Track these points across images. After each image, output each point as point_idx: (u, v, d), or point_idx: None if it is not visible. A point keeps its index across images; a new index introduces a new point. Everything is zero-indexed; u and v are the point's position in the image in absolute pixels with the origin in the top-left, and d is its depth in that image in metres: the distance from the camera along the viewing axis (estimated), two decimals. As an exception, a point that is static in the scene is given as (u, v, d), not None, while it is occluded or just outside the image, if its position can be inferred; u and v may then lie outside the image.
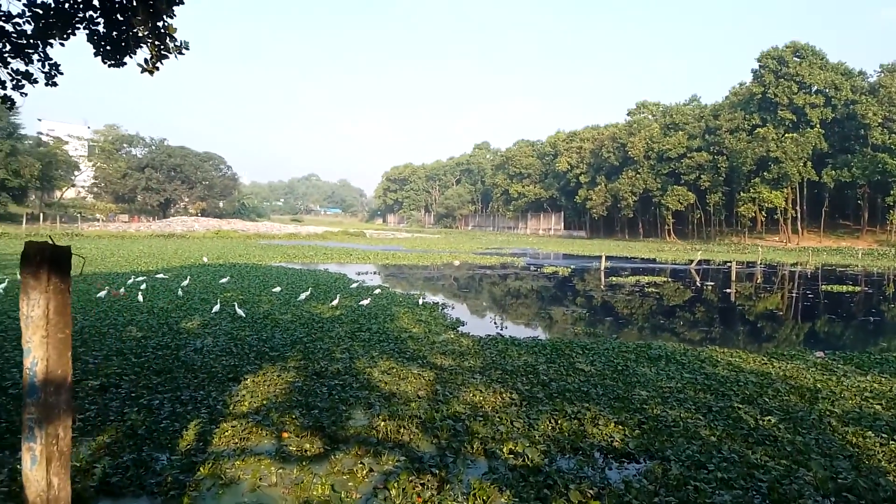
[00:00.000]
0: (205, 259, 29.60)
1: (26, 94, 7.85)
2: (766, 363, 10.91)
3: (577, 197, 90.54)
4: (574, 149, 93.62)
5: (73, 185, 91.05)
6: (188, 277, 19.88)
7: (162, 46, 7.99)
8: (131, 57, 8.18)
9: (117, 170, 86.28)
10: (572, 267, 34.68)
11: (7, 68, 7.54)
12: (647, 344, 12.44)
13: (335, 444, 6.20)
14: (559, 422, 6.99)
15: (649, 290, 23.92)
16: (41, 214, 63.56)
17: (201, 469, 5.43)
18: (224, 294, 17.01)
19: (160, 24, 7.92)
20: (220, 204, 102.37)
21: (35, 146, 70.64)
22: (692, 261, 40.38)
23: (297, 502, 4.89)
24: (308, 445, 6.08)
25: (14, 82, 7.66)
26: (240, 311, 13.53)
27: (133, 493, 5.00)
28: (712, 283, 27.82)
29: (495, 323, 15.37)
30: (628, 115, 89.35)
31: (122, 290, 16.85)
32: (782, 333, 16.13)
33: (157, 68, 8.17)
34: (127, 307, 14.23)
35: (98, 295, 15.67)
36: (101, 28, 7.93)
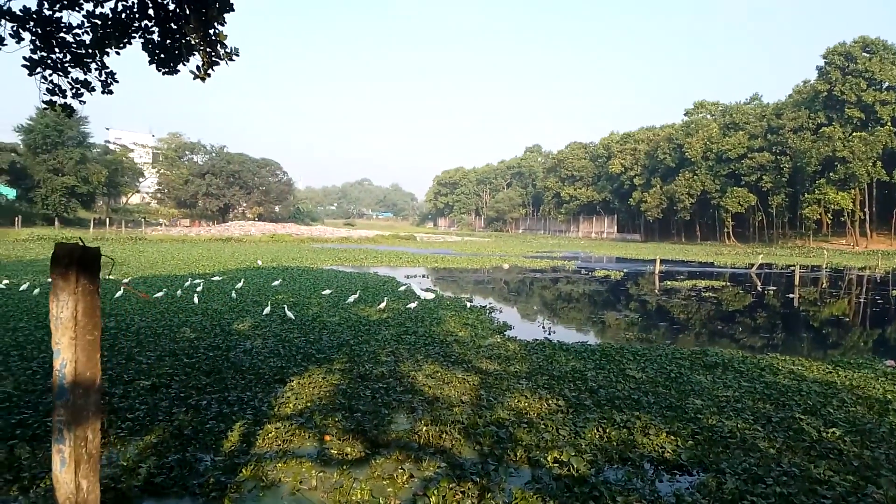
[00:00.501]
0: (259, 262, 30.31)
1: (84, 102, 8.14)
2: (830, 372, 10.32)
3: (630, 199, 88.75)
4: (628, 150, 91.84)
5: (139, 191, 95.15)
6: (242, 280, 20.35)
7: (213, 53, 8.17)
8: (184, 64, 8.39)
9: (180, 176, 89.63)
10: (625, 270, 33.90)
11: (67, 77, 7.84)
12: (703, 350, 11.96)
13: (376, 448, 6.14)
14: (607, 430, 6.75)
15: (706, 294, 23.10)
16: (108, 219, 66.56)
17: (243, 471, 5.45)
18: (276, 296, 17.32)
19: (211, 31, 8.10)
20: (276, 208, 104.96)
21: (103, 154, 74.07)
22: (753, 264, 38.87)
23: (335, 507, 4.84)
24: (349, 449, 6.05)
25: (74, 91, 7.95)
26: (289, 314, 13.73)
27: (176, 493, 5.05)
28: (774, 288, 26.67)
29: (543, 327, 15.11)
30: (685, 115, 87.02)
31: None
32: (849, 341, 15.26)
33: (209, 74, 8.36)
34: (182, 308, 14.65)
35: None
36: (155, 37, 8.16)
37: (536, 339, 12.57)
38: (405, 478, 5.45)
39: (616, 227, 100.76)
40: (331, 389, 8.07)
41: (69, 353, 2.44)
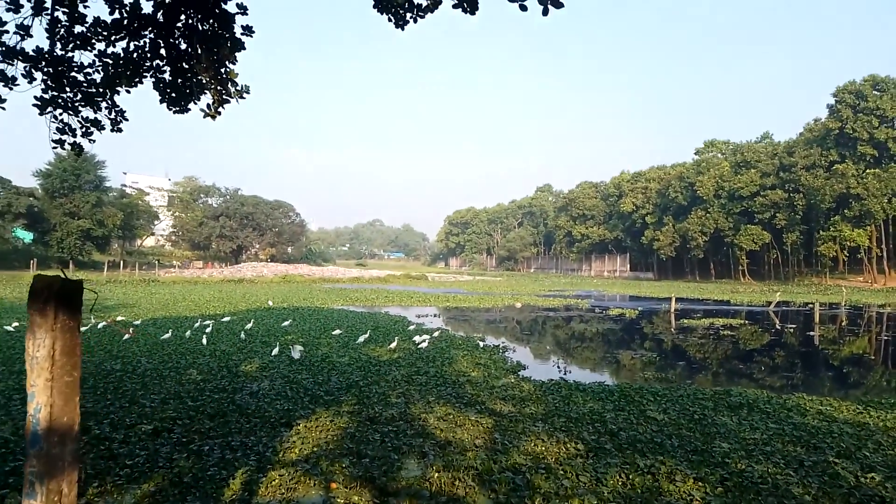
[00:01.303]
0: (270, 303, 30.15)
1: (94, 141, 8.11)
2: (861, 412, 9.85)
3: (643, 238, 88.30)
4: (639, 189, 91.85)
5: (153, 234, 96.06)
6: (252, 321, 20.15)
7: (224, 92, 8.14)
8: (195, 103, 8.38)
9: (194, 219, 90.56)
10: (640, 309, 33.36)
11: (77, 116, 7.83)
12: (727, 390, 11.51)
13: (385, 496, 5.80)
14: (630, 476, 6.37)
15: (724, 333, 22.56)
16: (122, 261, 67.04)
17: (244, 521, 5.14)
18: (285, 337, 17.08)
19: (223, 70, 8.09)
20: (289, 249, 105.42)
21: (119, 198, 75.13)
22: (770, 302, 38.17)
23: (341, 562, 4.50)
24: (356, 498, 5.72)
25: (83, 130, 7.93)
26: (295, 354, 13.43)
27: (172, 545, 4.75)
28: (793, 326, 26.04)
29: (558, 367, 14.70)
30: (696, 153, 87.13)
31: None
32: (872, 379, 14.70)
33: (220, 112, 8.31)
34: (190, 350, 14.43)
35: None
36: (167, 76, 8.17)
37: (552, 379, 12.19)
38: (416, 529, 5.11)
39: (629, 266, 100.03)
40: (338, 433, 7.75)
41: (44, 396, 2.22)
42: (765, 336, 22.52)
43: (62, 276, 2.32)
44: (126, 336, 16.15)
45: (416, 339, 16.10)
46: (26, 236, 65.44)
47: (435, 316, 27.54)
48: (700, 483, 6.22)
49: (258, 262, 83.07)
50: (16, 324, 18.05)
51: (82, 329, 17.22)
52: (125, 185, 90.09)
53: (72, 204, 60.69)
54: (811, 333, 23.29)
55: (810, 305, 33.57)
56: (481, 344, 16.73)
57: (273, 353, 13.76)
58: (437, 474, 6.27)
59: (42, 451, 2.22)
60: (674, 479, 6.31)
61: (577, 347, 19.54)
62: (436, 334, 18.04)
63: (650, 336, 22.21)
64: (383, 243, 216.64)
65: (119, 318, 19.84)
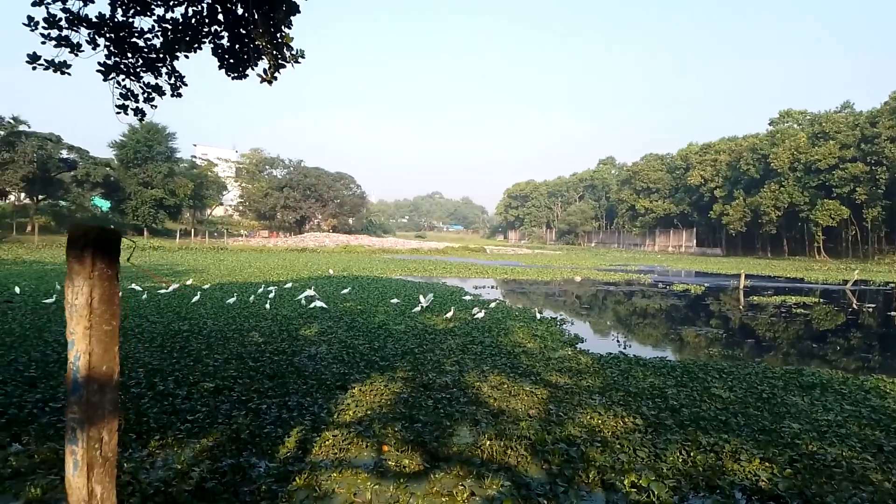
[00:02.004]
0: (330, 272, 30.72)
1: (156, 107, 8.27)
2: (951, 399, 9.12)
3: (711, 212, 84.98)
4: (708, 161, 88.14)
5: (222, 204, 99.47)
6: (312, 288, 20.54)
7: (279, 56, 8.12)
8: (252, 69, 8.41)
9: (259, 189, 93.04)
10: (706, 285, 32.19)
11: (139, 82, 7.98)
12: (798, 370, 10.91)
13: (436, 461, 5.75)
14: (692, 454, 6.09)
15: (797, 311, 21.46)
16: (193, 230, 69.77)
17: (297, 479, 5.19)
18: (344, 303, 17.33)
19: (278, 35, 8.05)
20: (350, 221, 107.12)
21: (189, 168, 77.86)
22: (847, 281, 36.11)
23: (389, 524, 4.48)
24: (407, 461, 5.69)
25: (145, 95, 8.09)
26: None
27: (227, 500, 4.83)
28: (872, 306, 24.52)
29: (618, 341, 14.32)
30: (770, 124, 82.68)
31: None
32: (968, 365, 13.64)
33: (276, 78, 8.32)
34: (254, 314, 14.83)
35: (193, 300, 16.56)
36: (224, 42, 8.22)
37: (610, 353, 11.88)
38: (465, 495, 5.03)
39: (695, 241, 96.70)
40: (392, 398, 7.77)
41: (83, 344, 2.19)
42: (841, 316, 21.31)
43: (98, 224, 2.30)
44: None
45: (474, 309, 16.02)
46: (104, 205, 68.90)
47: (492, 288, 27.41)
48: (767, 463, 5.89)
49: (320, 233, 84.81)
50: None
51: (163, 292, 18.01)
52: (195, 157, 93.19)
53: (145, 174, 63.32)
54: (892, 314, 21.87)
55: (891, 285, 31.59)
56: (538, 316, 16.50)
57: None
58: (488, 442, 6.17)
59: (82, 398, 2.20)
60: (738, 459, 5.99)
61: (638, 323, 19.03)
62: (492, 305, 17.90)
63: (716, 313, 21.39)
64: (442, 216, 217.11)
65: (129, 262, 20.61)
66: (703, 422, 7.23)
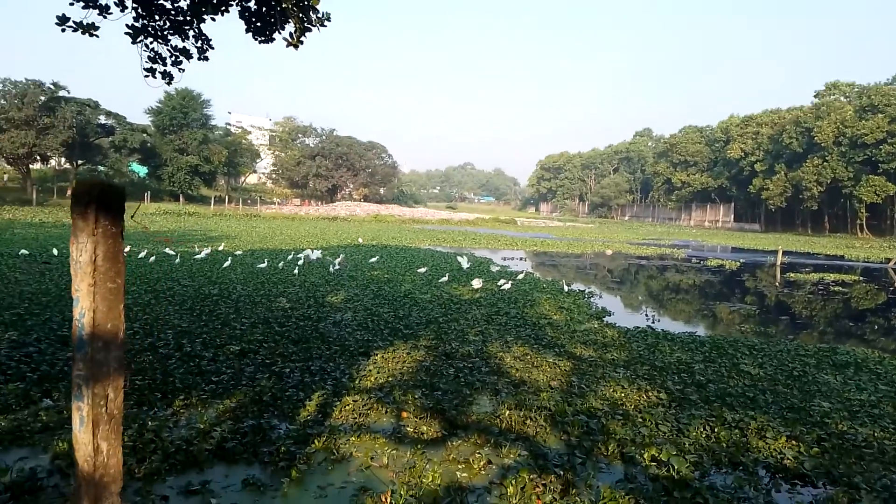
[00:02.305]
0: (360, 240, 30.89)
1: (183, 70, 8.26)
2: None
3: (750, 187, 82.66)
4: (749, 134, 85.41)
5: (255, 172, 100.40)
6: (341, 255, 20.68)
7: (305, 19, 8.01)
8: (279, 33, 8.32)
9: (292, 158, 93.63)
10: (741, 261, 31.48)
11: (167, 45, 7.97)
12: (832, 348, 10.61)
13: (454, 429, 5.75)
14: (716, 430, 5.97)
15: (835, 289, 20.85)
16: (227, 197, 70.75)
17: (315, 442, 5.24)
18: (372, 272, 17.42)
19: (305, -4, 7.93)
20: (381, 190, 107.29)
21: (224, 136, 78.61)
22: (890, 259, 34.91)
23: (404, 488, 4.50)
24: (426, 428, 5.70)
25: (173, 58, 8.08)
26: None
27: (246, 460, 4.91)
28: (917, 286, 23.68)
29: (646, 315, 14.11)
30: (815, 96, 79.44)
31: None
32: None
33: (301, 42, 8.21)
34: (282, 280, 15.01)
35: (225, 265, 16.83)
36: (251, 4, 8.14)
37: (637, 327, 11.71)
38: (482, 463, 5.03)
39: (733, 216, 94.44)
40: (414, 365, 7.78)
41: (87, 301, 2.18)
42: (881, 295, 20.64)
43: (105, 179, 2.27)
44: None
45: (501, 281, 15.94)
46: (141, 170, 70.19)
47: (521, 259, 27.24)
48: (794, 441, 5.74)
49: (351, 202, 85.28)
50: (127, 248, 19.45)
51: (197, 257, 18.34)
52: (229, 124, 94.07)
53: (181, 140, 64.14)
54: (938, 294, 21.11)
55: (939, 264, 30.40)
56: (566, 288, 16.34)
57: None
58: (508, 412, 6.15)
59: (87, 355, 2.20)
60: (764, 436, 5.86)
61: (669, 298, 18.72)
62: (520, 277, 17.79)
63: (751, 289, 20.92)
64: (474, 187, 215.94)
65: (132, 219, 20.92)
66: (729, 398, 7.08)
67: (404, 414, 6.06)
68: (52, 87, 53.51)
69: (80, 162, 59.25)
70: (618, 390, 7.15)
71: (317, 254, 17.63)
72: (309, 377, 7.08)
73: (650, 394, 7.09)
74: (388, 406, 6.25)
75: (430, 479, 4.67)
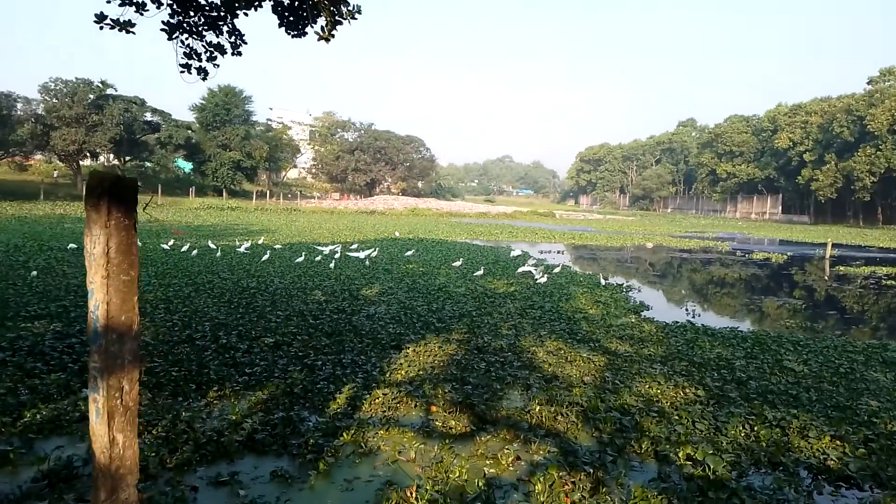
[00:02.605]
0: (396, 234, 31.01)
1: (218, 66, 8.37)
2: None
3: (799, 177, 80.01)
4: (798, 123, 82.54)
5: (295, 166, 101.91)
6: (377, 249, 20.79)
7: (336, 13, 8.03)
8: (311, 27, 8.35)
9: (331, 152, 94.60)
10: (789, 254, 30.48)
11: (202, 41, 8.08)
12: (883, 344, 10.15)
13: (483, 424, 5.69)
14: (756, 428, 5.76)
15: (888, 283, 19.99)
16: (268, 191, 71.96)
17: (344, 435, 5.25)
18: (407, 266, 17.45)
19: (336, -11, 7.94)
20: (419, 184, 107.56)
21: (265, 131, 79.87)
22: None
23: (430, 483, 4.45)
24: (454, 422, 5.65)
25: (208, 54, 8.19)
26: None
27: (275, 452, 4.95)
28: (979, 280, 22.50)
29: (686, 309, 13.75)
30: (869, 83, 76.20)
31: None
32: None
33: (333, 35, 8.23)
34: (319, 273, 15.15)
35: (264, 258, 17.07)
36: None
37: (676, 322, 11.42)
38: (510, 459, 4.95)
39: (780, 208, 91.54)
40: (445, 359, 7.74)
41: (101, 293, 2.18)
42: (940, 289, 19.68)
43: (119, 172, 2.27)
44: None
45: (535, 273, 15.77)
46: (186, 166, 71.94)
47: (559, 253, 26.93)
48: (838, 442, 5.49)
49: (389, 196, 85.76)
50: (172, 242, 19.95)
51: (239, 250, 18.68)
52: (270, 120, 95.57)
53: (224, 136, 65.43)
54: None
55: None
56: (603, 282, 16.06)
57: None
58: (539, 407, 6.05)
59: (101, 347, 2.20)
60: (807, 436, 5.62)
61: (711, 292, 18.23)
62: (556, 270, 17.57)
63: (798, 283, 20.22)
64: (512, 180, 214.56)
65: (145, 212, 21.27)
66: (771, 395, 6.82)
67: (433, 408, 6.02)
68: (100, 85, 55.22)
69: (127, 158, 61.04)
70: (653, 386, 6.97)
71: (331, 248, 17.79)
72: (340, 370, 7.11)
73: (687, 390, 6.89)
74: (417, 400, 6.22)
75: (458, 474, 4.62)
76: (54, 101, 52.33)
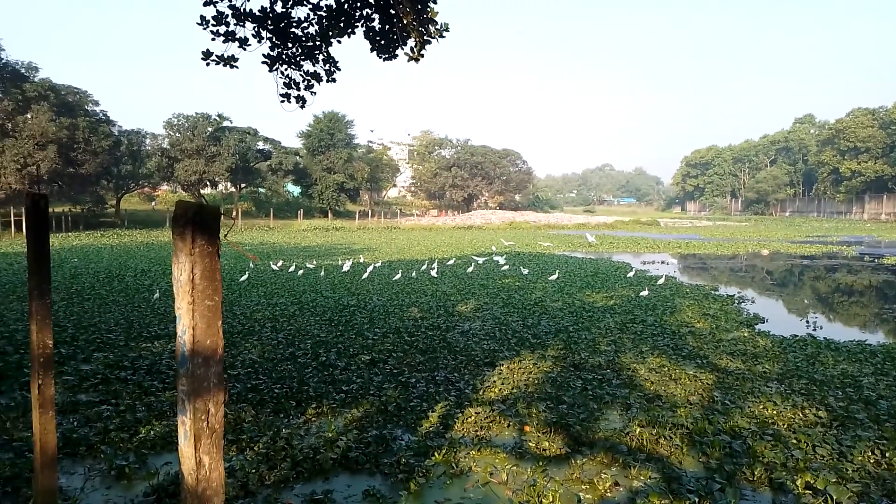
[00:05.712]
0: (493, 248, 30.97)
1: (315, 94, 8.74)
2: None
3: (937, 172, 72.22)
4: (934, 112, 74.73)
5: (395, 185, 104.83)
6: (472, 265, 20.84)
7: (425, 33, 8.18)
8: (402, 48, 8.56)
9: (429, 170, 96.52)
10: (928, 258, 27.47)
11: (300, 70, 8.49)
12: None
13: (579, 446, 5.48)
14: (887, 454, 5.16)
15: None
16: (370, 211, 74.41)
17: (435, 455, 5.23)
18: (503, 280, 17.35)
19: (425, 10, 8.11)
20: (517, 197, 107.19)
21: (366, 153, 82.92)
22: None
23: (522, 507, 4.33)
24: (548, 444, 5.48)
25: (305, 83, 8.59)
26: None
27: (368, 470, 5.00)
28: None
29: (807, 322, 12.68)
30: None
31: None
32: None
33: (422, 55, 8.39)
34: (416, 290, 15.38)
35: (363, 277, 17.36)
36: (375, 24, 8.47)
37: (795, 336, 10.54)
38: (608, 485, 4.72)
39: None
40: (540, 377, 7.56)
41: (188, 318, 2.29)
42: None
43: (203, 201, 2.38)
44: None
45: (643, 292, 15.15)
46: (295, 190, 75.96)
47: (663, 263, 25.79)
48: None
49: (487, 210, 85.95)
50: (281, 262, 21.01)
51: (343, 270, 19.40)
52: (371, 142, 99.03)
53: (328, 160, 68.54)
54: None
55: None
56: (712, 293, 15.16)
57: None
58: (639, 429, 5.75)
59: (188, 371, 2.31)
60: (953, 467, 4.96)
61: (836, 301, 16.74)
62: (660, 282, 16.82)
63: (940, 290, 18.13)
64: (613, 189, 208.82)
65: (225, 238, 21.94)
66: (907, 419, 6.10)
67: (527, 428, 5.88)
68: (217, 118, 59.60)
69: (242, 185, 65.31)
70: (768, 407, 6.44)
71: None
72: (434, 387, 7.13)
73: (807, 411, 6.31)
74: (510, 419, 6.10)
75: (551, 499, 4.46)
76: (177, 135, 57.05)
